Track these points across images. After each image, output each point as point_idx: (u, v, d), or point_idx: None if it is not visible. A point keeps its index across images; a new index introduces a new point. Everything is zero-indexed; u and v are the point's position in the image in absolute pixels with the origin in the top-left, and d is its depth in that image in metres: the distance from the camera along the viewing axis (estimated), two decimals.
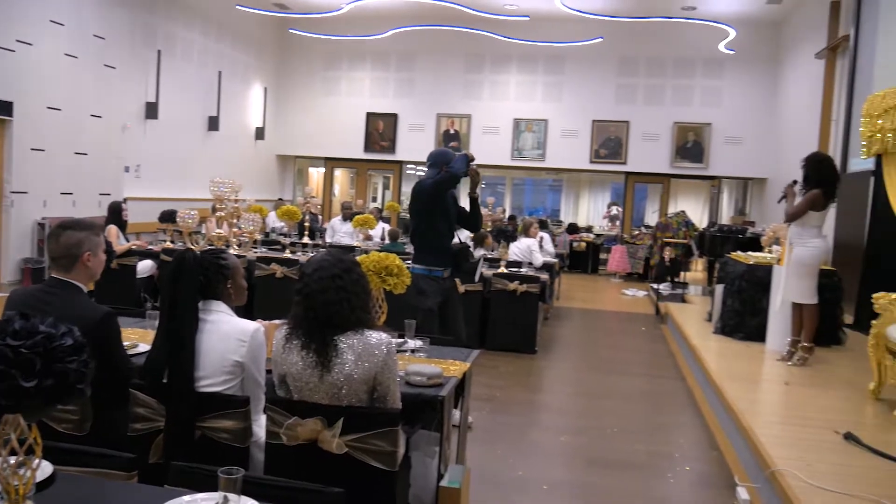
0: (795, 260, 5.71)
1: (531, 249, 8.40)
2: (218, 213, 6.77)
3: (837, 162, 9.68)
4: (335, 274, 2.43)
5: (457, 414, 4.53)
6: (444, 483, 3.01)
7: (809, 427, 4.26)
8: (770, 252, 7.57)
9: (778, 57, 14.36)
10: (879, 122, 7.38)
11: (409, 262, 4.76)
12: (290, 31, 15.26)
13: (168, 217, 7.91)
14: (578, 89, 15.20)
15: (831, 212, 6.26)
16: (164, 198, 10.94)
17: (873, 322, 4.82)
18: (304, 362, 2.42)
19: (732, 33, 13.20)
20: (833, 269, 6.96)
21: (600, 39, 14.18)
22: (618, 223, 16.55)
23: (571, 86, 15.25)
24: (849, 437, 4.02)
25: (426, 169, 4.90)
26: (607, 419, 5.06)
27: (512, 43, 14.52)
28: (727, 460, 4.34)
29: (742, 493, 3.74)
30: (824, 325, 6.65)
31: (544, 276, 7.34)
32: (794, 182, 5.86)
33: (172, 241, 7.92)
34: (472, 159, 4.77)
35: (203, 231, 7.57)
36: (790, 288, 5.75)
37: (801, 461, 3.59)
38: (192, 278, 2.53)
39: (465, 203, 5.10)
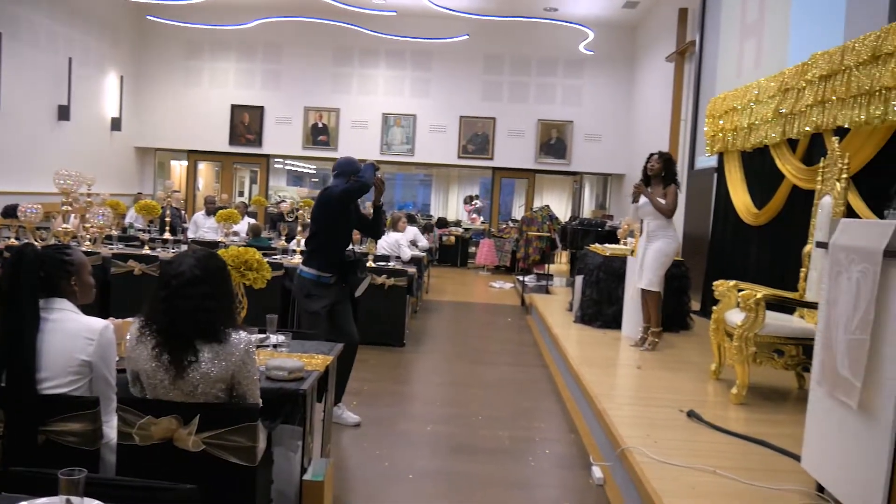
0: (658, 251, 6.05)
1: (399, 243, 8.46)
2: (64, 207, 6.39)
3: (686, 159, 10.37)
4: (197, 276, 2.36)
5: (338, 410, 4.55)
6: (307, 477, 3.00)
7: (657, 407, 4.54)
8: (625, 244, 7.99)
9: (633, 59, 15.13)
10: (721, 122, 7.96)
11: (300, 264, 4.72)
12: (148, 17, 14.58)
13: (10, 212, 7.39)
14: (446, 85, 15.42)
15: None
16: (7, 192, 10.19)
17: (714, 308, 5.19)
18: (157, 361, 2.35)
19: (591, 35, 13.79)
20: (681, 260, 7.43)
21: (466, 37, 14.45)
22: (480, 216, 16.90)
23: (439, 82, 15.45)
24: (691, 414, 4.32)
25: (332, 177, 4.87)
26: (473, 407, 5.19)
27: (380, 38, 14.53)
28: (584, 442, 4.55)
29: (596, 471, 3.94)
30: (674, 313, 7.11)
31: (412, 270, 7.41)
32: (642, 182, 6.20)
33: (17, 238, 7.41)
34: (378, 168, 4.76)
35: (50, 226, 7.13)
36: (649, 277, 6.08)
37: (648, 439, 3.83)
38: (31, 274, 2.39)
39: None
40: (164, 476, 2.06)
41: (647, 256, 6.12)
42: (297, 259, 7.13)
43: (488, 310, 10.24)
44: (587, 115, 15.40)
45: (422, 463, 4.13)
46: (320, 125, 15.45)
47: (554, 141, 15.45)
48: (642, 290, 6.13)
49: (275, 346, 3.37)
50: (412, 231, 9.63)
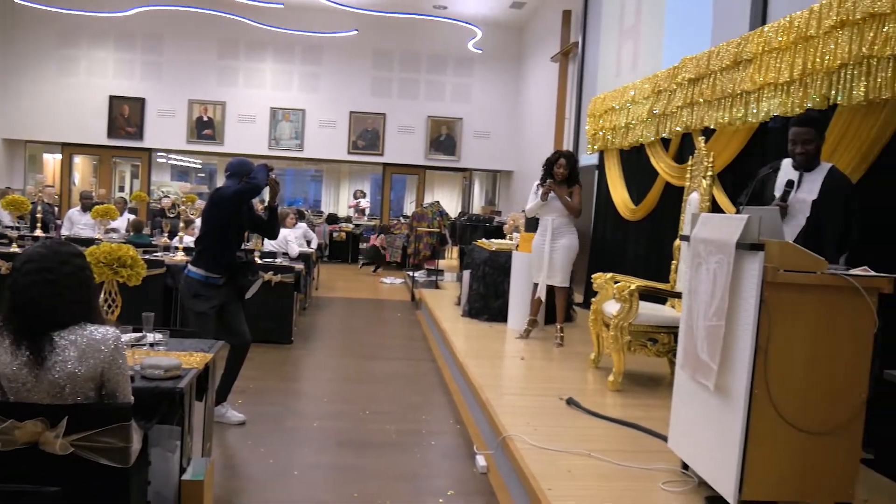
0: (569, 248, 6.29)
1: (287, 240, 8.35)
2: None
3: None
4: (45, 267, 2.28)
5: (222, 409, 4.46)
6: (186, 477, 2.94)
7: (539, 396, 4.71)
8: (511, 239, 8.19)
9: (521, 58, 15.48)
10: (601, 121, 8.28)
11: (188, 263, 4.57)
12: (17, 1, 13.73)
13: None
14: (335, 80, 15.31)
15: None
16: None
17: (593, 299, 5.41)
18: (17, 361, 2.25)
19: (479, 34, 14.01)
20: None
21: (355, 32, 14.38)
22: (365, 213, 16.84)
23: (328, 76, 15.32)
24: (570, 402, 4.50)
25: (225, 178, 4.73)
26: (361, 402, 5.21)
27: (267, 30, 14.26)
28: (469, 432, 4.65)
29: (480, 460, 4.05)
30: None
31: (299, 267, 7.33)
32: (552, 180, 6.27)
33: None
34: (272, 169, 4.67)
35: None
36: (562, 275, 6.30)
37: (528, 426, 3.97)
38: None
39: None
40: (30, 482, 1.99)
41: (556, 254, 6.28)
42: (181, 256, 6.93)
43: (379, 305, 10.26)
44: (476, 112, 15.65)
45: (308, 459, 4.12)
46: (205, 119, 15.02)
47: (444, 138, 15.61)
48: (553, 286, 6.31)
49: (151, 344, 3.29)
50: (301, 227, 9.52)
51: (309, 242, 9.63)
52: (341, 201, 19.59)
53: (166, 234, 7.97)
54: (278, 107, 15.19)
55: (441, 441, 4.53)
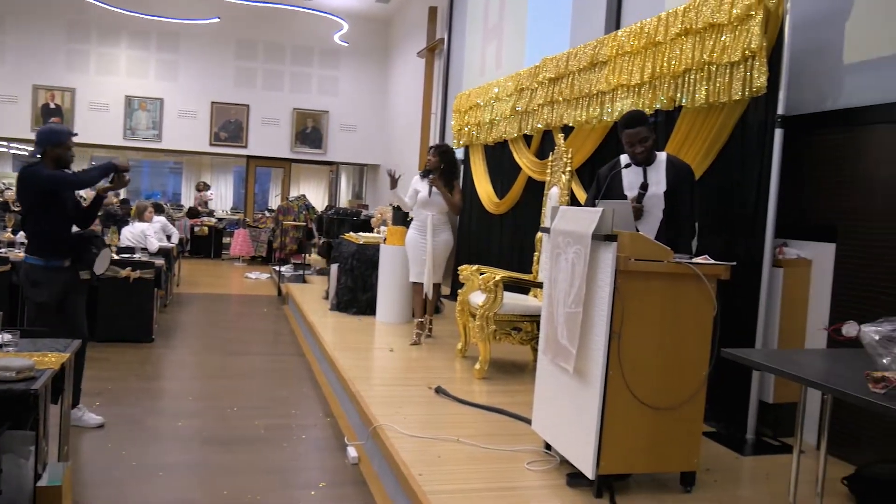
0: (447, 245, 6.29)
1: (145, 234, 8.02)
2: None
3: None
4: None
5: (78, 412, 4.22)
6: (41, 483, 2.81)
7: (408, 386, 4.79)
8: (379, 232, 8.24)
9: (388, 52, 15.52)
10: (466, 117, 8.47)
11: (25, 251, 4.26)
12: None
13: None
14: (195, 69, 14.77)
15: None
16: None
17: (459, 291, 5.55)
18: None
19: (346, 26, 13.93)
20: None
21: (217, 20, 13.94)
22: (208, 206, 16.31)
23: (188, 65, 14.76)
24: (439, 390, 4.62)
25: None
26: (226, 399, 5.10)
27: (121, 14, 13.54)
28: (340, 424, 4.67)
29: (351, 451, 4.08)
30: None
31: (160, 262, 7.07)
32: (428, 173, 6.20)
33: None
34: (126, 169, 4.33)
35: None
36: (440, 273, 6.31)
37: (398, 415, 4.04)
38: None
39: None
40: None
41: (437, 251, 6.20)
42: None
43: (244, 301, 10.03)
44: (343, 105, 15.55)
45: (172, 458, 4.01)
46: (53, 105, 14.09)
47: (310, 130, 15.42)
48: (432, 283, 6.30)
49: (1, 345, 3.10)
50: (160, 221, 9.15)
51: (169, 237, 9.28)
52: (213, 194, 18.92)
53: (10, 230, 7.46)
54: (134, 95, 14.48)
55: (311, 434, 4.53)
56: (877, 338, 2.11)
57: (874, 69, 3.75)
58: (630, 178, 3.86)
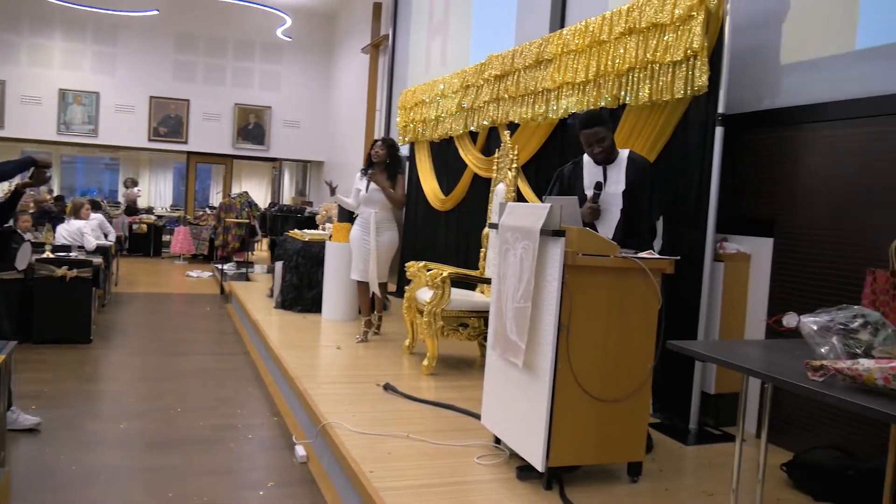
0: (391, 244, 6.16)
1: (82, 232, 7.79)
2: None
3: None
4: None
5: (12, 415, 4.06)
6: None
7: (356, 383, 4.77)
8: (324, 229, 8.17)
9: (332, 48, 15.40)
10: (411, 114, 8.46)
11: None
12: None
13: None
14: (133, 63, 14.42)
15: None
16: None
17: (406, 287, 5.55)
18: None
19: (288, 21, 13.77)
20: None
21: (156, 12, 13.61)
22: (138, 202, 15.88)
23: (125, 58, 14.39)
24: (387, 387, 4.61)
25: None
26: (170, 400, 5.00)
27: (54, 4, 13.11)
28: (287, 423, 4.62)
29: (299, 450, 4.04)
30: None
31: (97, 260, 6.87)
32: (371, 171, 6.04)
33: None
34: (47, 165, 4.15)
35: None
36: (386, 270, 6.20)
37: (347, 413, 4.02)
38: None
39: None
40: None
41: (381, 249, 6.07)
42: None
43: (186, 300, 9.83)
44: (286, 101, 15.38)
45: (115, 462, 3.90)
46: None
47: (252, 126, 15.20)
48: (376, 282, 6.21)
49: None
50: (97, 218, 8.90)
51: (106, 235, 9.03)
52: (142, 191, 18.47)
53: None
54: (68, 88, 14.04)
55: (258, 434, 4.47)
56: (815, 328, 2.19)
57: (809, 70, 3.88)
58: (590, 177, 3.87)
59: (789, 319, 2.21)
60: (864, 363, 1.99)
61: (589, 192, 3.83)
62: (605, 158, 3.80)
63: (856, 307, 2.20)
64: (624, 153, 3.85)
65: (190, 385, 5.50)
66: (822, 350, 2.16)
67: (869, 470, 3.04)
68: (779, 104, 4.02)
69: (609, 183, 3.80)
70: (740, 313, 4.13)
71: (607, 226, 3.76)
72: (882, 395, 1.94)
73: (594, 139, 3.75)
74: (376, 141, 6.23)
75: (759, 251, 4.07)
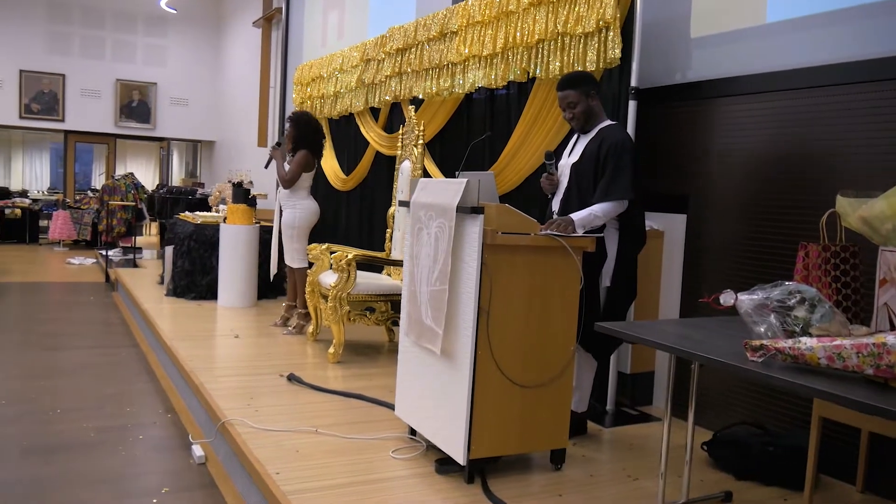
0: (287, 223, 5.73)
1: None
2: None
3: (276, 126, 10.36)
4: None
5: None
6: None
7: (258, 375, 4.46)
8: (218, 211, 7.73)
9: (220, 21, 14.67)
10: (308, 90, 8.09)
11: None
12: None
13: None
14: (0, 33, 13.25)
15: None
16: None
17: (309, 271, 5.25)
18: None
19: None
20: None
21: None
22: None
23: None
24: (292, 378, 4.33)
25: None
26: (48, 401, 4.54)
27: None
28: (183, 421, 4.28)
29: (197, 450, 3.72)
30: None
31: None
32: (278, 144, 5.79)
33: None
34: None
35: None
36: (290, 253, 5.78)
37: (249, 408, 3.73)
38: None
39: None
40: None
41: (283, 229, 5.77)
42: None
43: (66, 289, 9.14)
44: (172, 77, 14.55)
45: None
46: None
47: (136, 104, 14.32)
48: (288, 266, 5.88)
49: None
50: None
51: None
52: (13, 173, 17.15)
53: None
54: None
55: (150, 434, 4.10)
56: (752, 306, 2.09)
57: (720, 43, 3.83)
58: (571, 146, 3.60)
59: (726, 298, 2.10)
60: (807, 342, 1.90)
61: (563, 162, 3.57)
62: (580, 127, 3.50)
63: (791, 283, 2.12)
64: (604, 124, 3.49)
65: (71, 383, 5.04)
66: (761, 329, 2.06)
67: (790, 447, 3.02)
68: (691, 78, 3.97)
69: (574, 153, 3.51)
70: (654, 291, 4.08)
71: (556, 200, 3.53)
72: (825, 376, 1.86)
73: (564, 103, 3.47)
74: (287, 120, 5.85)
75: (673, 228, 4.02)
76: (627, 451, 3.45)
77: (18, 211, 13.48)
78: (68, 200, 13.92)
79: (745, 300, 2.10)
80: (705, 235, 3.84)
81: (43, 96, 13.63)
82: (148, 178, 16.22)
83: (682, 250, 3.95)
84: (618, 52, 3.87)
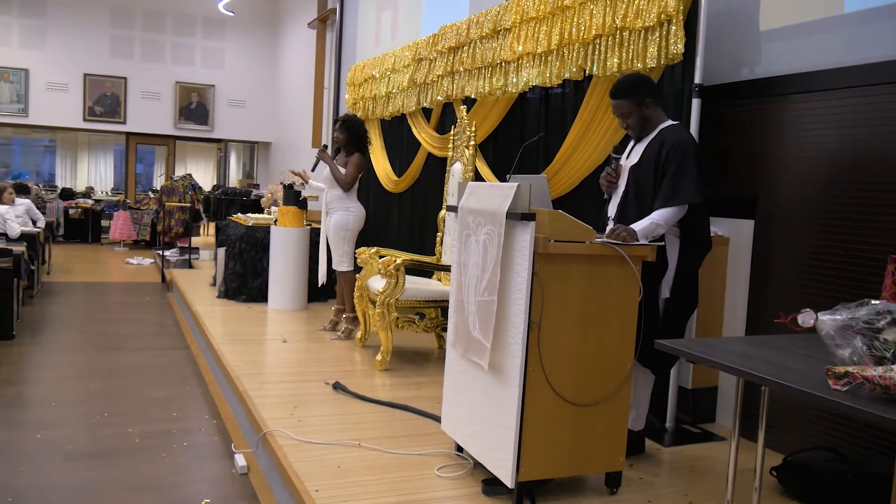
0: (336, 226, 5.63)
1: (5, 218, 7.19)
2: None
3: (329, 127, 10.32)
4: None
5: None
6: None
7: (303, 382, 4.37)
8: (269, 213, 7.70)
9: (277, 23, 14.76)
10: (361, 90, 8.01)
11: None
12: None
13: None
14: (65, 37, 13.57)
15: None
16: None
17: (358, 276, 5.14)
18: None
19: None
20: None
21: None
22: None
23: (56, 32, 13.54)
24: (337, 386, 4.22)
25: None
26: (96, 404, 4.53)
27: None
28: (227, 428, 4.21)
29: (239, 459, 3.63)
30: None
31: (19, 249, 6.31)
32: (325, 147, 5.72)
33: None
34: None
35: None
36: (337, 257, 5.68)
37: (291, 419, 3.62)
38: None
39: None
40: None
41: (329, 233, 5.66)
42: None
43: (124, 289, 9.27)
44: (230, 79, 14.71)
45: (26, 480, 3.44)
46: None
47: (195, 105, 14.51)
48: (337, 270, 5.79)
49: None
50: (24, 204, 8.27)
51: (35, 221, 8.41)
52: (79, 174, 17.60)
53: None
54: None
55: (194, 441, 4.04)
56: (834, 327, 1.87)
57: (791, 36, 3.57)
58: (631, 148, 3.37)
59: (805, 318, 1.89)
60: None
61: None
62: (636, 135, 3.28)
63: (879, 303, 1.88)
64: (665, 125, 3.23)
65: (120, 385, 5.02)
66: (845, 353, 1.84)
67: (870, 475, 2.76)
68: (759, 74, 3.71)
69: (630, 156, 3.30)
70: (718, 301, 3.83)
71: (612, 203, 3.31)
72: None
73: (617, 112, 3.26)
74: (335, 121, 5.78)
75: (739, 234, 3.77)
76: (689, 474, 3.22)
77: (80, 211, 13.78)
78: (128, 201, 14.18)
79: (827, 320, 1.88)
80: (775, 243, 3.58)
81: (105, 99, 13.91)
82: (206, 179, 16.45)
83: (749, 258, 3.69)
84: (680, 47, 3.65)
